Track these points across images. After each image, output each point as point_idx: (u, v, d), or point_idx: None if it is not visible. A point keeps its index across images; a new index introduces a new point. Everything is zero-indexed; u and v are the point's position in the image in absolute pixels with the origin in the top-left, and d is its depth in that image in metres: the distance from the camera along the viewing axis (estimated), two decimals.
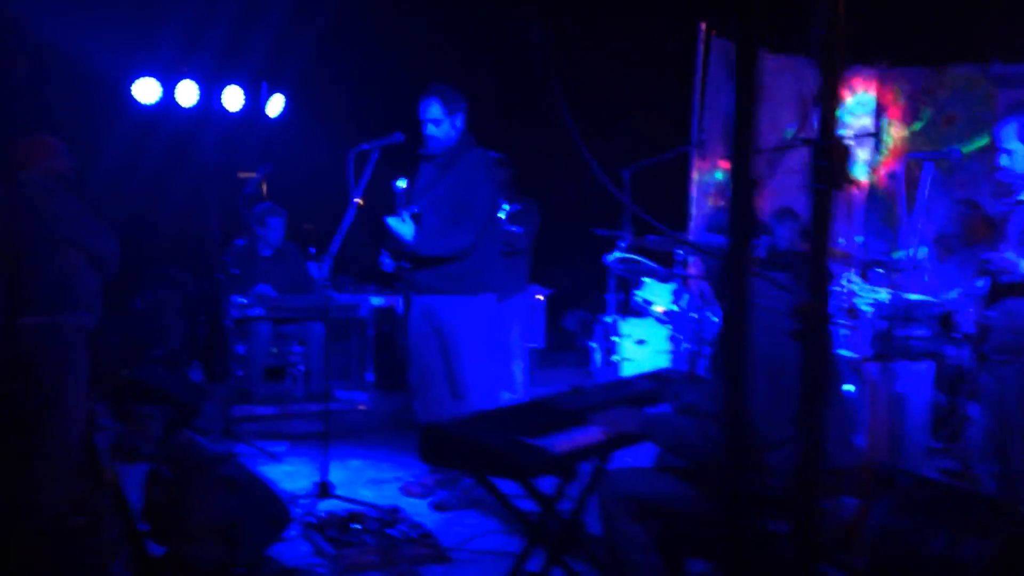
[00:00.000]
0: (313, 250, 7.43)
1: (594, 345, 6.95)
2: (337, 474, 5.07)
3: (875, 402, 4.14)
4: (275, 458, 5.36)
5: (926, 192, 3.95)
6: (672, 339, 6.53)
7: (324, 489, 4.37)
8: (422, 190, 4.46)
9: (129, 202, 7.24)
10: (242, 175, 8.47)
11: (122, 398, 5.53)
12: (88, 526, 4.41)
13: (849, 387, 4.27)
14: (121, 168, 7.19)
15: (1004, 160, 3.55)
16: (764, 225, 2.71)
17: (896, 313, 4.10)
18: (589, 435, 2.71)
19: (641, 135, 8.39)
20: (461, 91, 4.45)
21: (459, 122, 4.44)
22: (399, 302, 7.77)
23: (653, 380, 3.36)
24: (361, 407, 6.72)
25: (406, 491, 4.68)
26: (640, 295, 6.68)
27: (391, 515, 4.16)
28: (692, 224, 8.64)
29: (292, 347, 6.91)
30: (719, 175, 8.54)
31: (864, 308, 4.23)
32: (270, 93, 8.10)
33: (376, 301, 7.28)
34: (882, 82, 7.05)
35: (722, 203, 3.81)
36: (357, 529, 3.92)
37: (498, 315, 4.75)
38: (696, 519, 2.67)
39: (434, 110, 4.38)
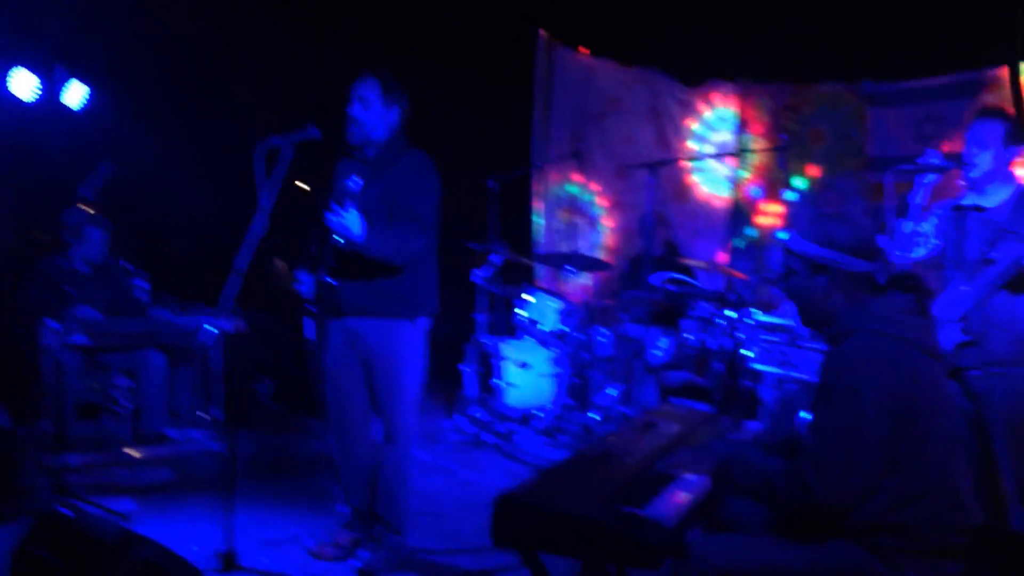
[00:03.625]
0: (131, 267, 6.38)
1: (467, 368, 6.41)
2: (215, 535, 4.22)
3: None
4: (126, 519, 4.39)
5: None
6: (557, 362, 6.15)
7: (229, 560, 3.54)
8: (345, 193, 3.75)
9: None
10: None
11: None
12: None
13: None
14: None
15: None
16: (878, 246, 2.33)
17: None
18: (681, 495, 2.22)
19: (494, 144, 7.98)
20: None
21: (394, 117, 3.78)
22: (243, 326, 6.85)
23: (677, 420, 2.90)
24: (211, 450, 5.76)
25: (318, 553, 3.93)
26: (525, 314, 6.25)
27: None
28: (543, 238, 8.34)
29: (116, 380, 5.83)
30: (572, 188, 8.29)
31: None
32: (67, 78, 6.87)
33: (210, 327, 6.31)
34: (743, 97, 7.07)
35: (831, 212, 3.46)
36: None
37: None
38: None
39: (369, 90, 3.70)
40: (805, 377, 4.22)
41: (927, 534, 2.18)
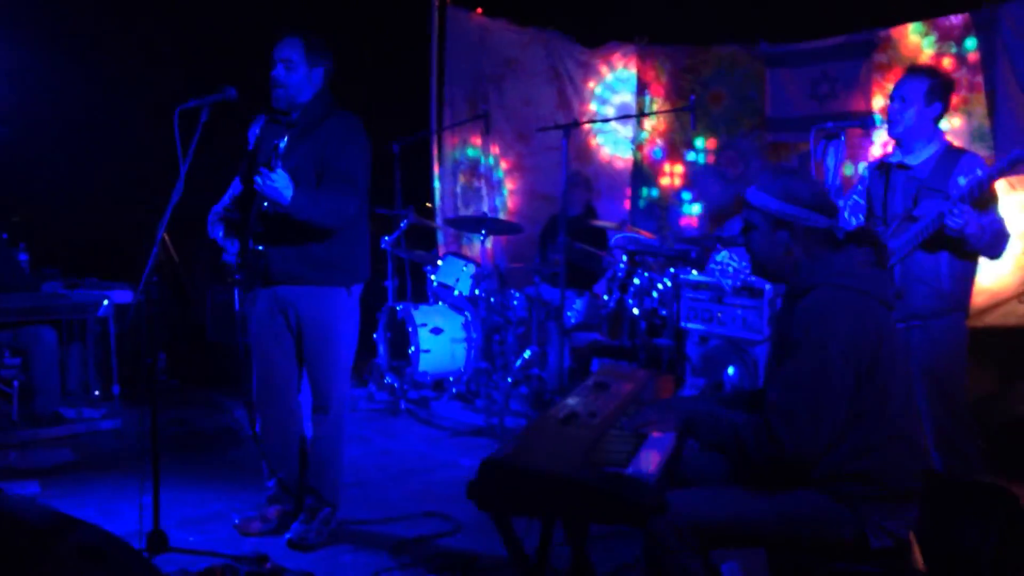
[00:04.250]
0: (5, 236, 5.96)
1: (378, 336, 6.30)
2: (131, 515, 4.03)
3: None
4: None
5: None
6: (470, 326, 6.11)
7: (158, 540, 3.37)
8: (269, 158, 3.58)
9: None
10: None
11: None
12: None
13: (729, 369, 4.15)
14: None
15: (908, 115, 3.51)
16: (835, 202, 2.37)
17: None
18: (656, 453, 2.22)
19: (395, 108, 7.81)
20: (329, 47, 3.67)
21: (318, 78, 3.62)
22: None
23: (626, 379, 2.90)
24: (109, 428, 5.47)
25: (244, 528, 3.80)
26: (437, 279, 6.17)
27: (259, 564, 3.33)
28: (440, 202, 8.24)
29: (4, 358, 5.48)
30: (472, 151, 8.21)
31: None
32: None
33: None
34: (642, 59, 7.11)
35: (792, 168, 3.45)
36: None
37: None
38: (783, 540, 2.28)
39: (292, 51, 3.54)
40: (730, 333, 4.31)
41: (887, 480, 2.26)
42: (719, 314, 4.26)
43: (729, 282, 4.21)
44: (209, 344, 7.09)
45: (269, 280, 3.59)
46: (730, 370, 4.20)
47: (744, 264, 4.22)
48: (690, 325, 4.49)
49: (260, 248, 3.51)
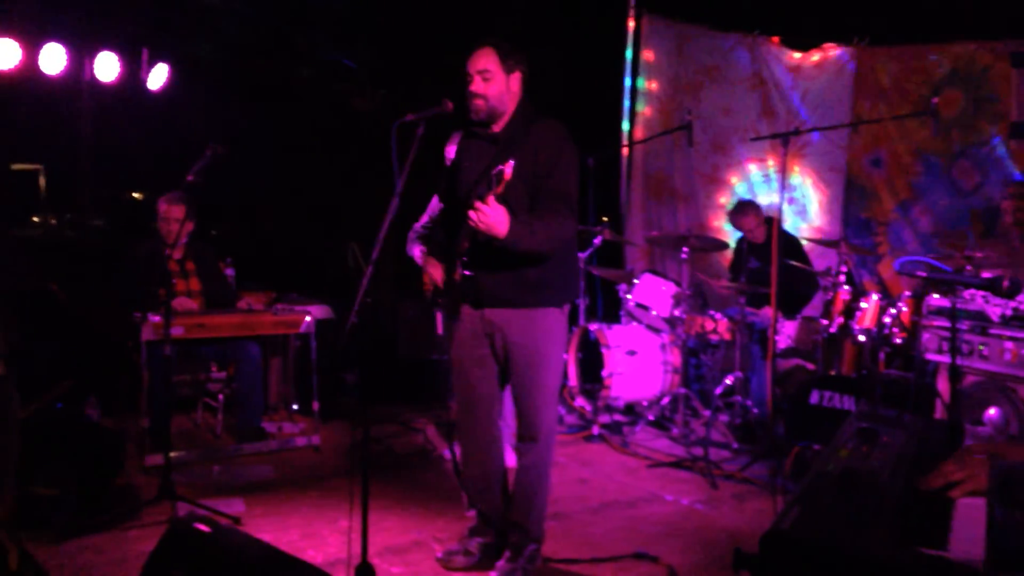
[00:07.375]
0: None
1: (569, 357, 6.05)
2: (333, 540, 3.94)
3: None
4: (238, 523, 4.12)
5: None
6: (667, 348, 5.77)
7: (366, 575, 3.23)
8: (476, 175, 3.40)
9: None
10: (17, 167, 6.92)
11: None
12: None
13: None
14: None
15: None
16: None
17: None
18: (972, 522, 1.84)
19: (586, 119, 7.59)
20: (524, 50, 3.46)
21: (516, 84, 3.42)
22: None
23: (894, 425, 2.49)
24: (308, 444, 5.47)
25: (447, 562, 3.63)
26: (633, 298, 5.86)
27: None
28: (630, 216, 7.95)
29: (210, 372, 5.59)
30: (662, 163, 7.88)
31: None
32: (152, 62, 6.64)
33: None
34: (861, 61, 6.55)
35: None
36: None
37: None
38: None
39: (487, 61, 3.34)
40: (995, 369, 3.74)
41: None
42: (980, 346, 3.72)
43: (998, 310, 3.66)
44: (399, 360, 7.06)
45: (478, 303, 3.40)
46: (991, 411, 3.66)
47: None
48: (937, 357, 3.96)
49: (470, 273, 3.32)
